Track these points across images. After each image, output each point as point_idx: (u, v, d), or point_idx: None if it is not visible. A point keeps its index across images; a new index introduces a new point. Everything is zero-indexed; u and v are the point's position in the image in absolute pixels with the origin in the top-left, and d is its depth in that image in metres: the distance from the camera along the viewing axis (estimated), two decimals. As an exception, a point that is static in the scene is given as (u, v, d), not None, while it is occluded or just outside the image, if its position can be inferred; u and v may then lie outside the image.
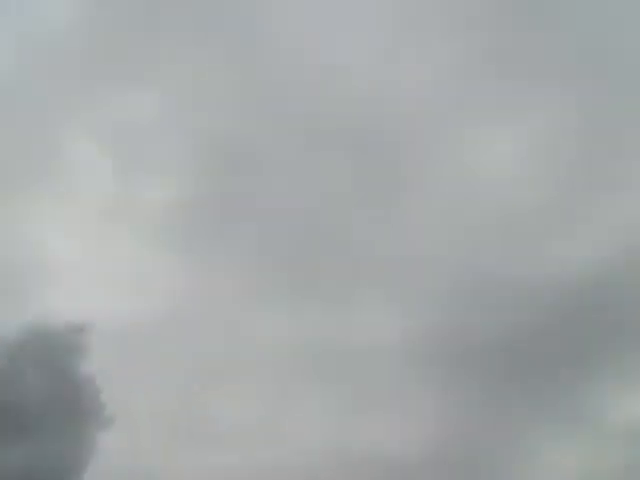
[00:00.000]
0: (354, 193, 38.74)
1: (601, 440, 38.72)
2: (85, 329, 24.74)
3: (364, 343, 45.03)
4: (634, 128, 37.41)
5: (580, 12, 38.71)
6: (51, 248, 30.60)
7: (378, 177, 35.38)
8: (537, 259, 37.39)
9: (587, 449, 37.99)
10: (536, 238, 37.61)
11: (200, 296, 39.06)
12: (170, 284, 38.26)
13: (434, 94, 40.28)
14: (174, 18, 34.75)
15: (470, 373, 44.80)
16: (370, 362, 44.07)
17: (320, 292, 40.19)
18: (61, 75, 33.40)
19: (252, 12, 34.61)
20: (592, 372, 39.30)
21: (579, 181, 38.00)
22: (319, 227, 37.73)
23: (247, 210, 36.62)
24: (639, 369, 39.02)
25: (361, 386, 45.59)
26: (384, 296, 39.05)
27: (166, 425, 48.66)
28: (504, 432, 40.81)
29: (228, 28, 34.18)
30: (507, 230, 37.46)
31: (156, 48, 34.06)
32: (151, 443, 46.52)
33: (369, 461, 40.12)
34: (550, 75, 39.25)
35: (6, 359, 23.24)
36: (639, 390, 38.52)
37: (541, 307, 44.02)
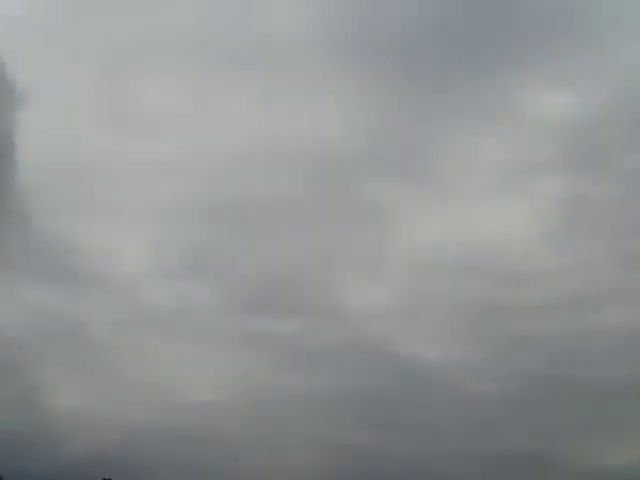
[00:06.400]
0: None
1: (521, 130, 40.86)
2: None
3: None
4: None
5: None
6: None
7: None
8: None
9: (507, 139, 40.26)
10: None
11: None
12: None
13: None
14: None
15: (400, 67, 46.20)
16: (290, 53, 44.89)
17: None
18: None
19: None
20: (514, 68, 41.11)
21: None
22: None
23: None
24: (560, 66, 40.45)
25: (284, 74, 46.37)
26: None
27: (94, 109, 47.82)
28: (434, 125, 42.73)
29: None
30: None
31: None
32: (77, 127, 45.95)
33: (306, 157, 41.95)
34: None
35: None
36: (559, 88, 40.19)
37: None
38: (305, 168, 40.86)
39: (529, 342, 34.65)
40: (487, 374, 34.73)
